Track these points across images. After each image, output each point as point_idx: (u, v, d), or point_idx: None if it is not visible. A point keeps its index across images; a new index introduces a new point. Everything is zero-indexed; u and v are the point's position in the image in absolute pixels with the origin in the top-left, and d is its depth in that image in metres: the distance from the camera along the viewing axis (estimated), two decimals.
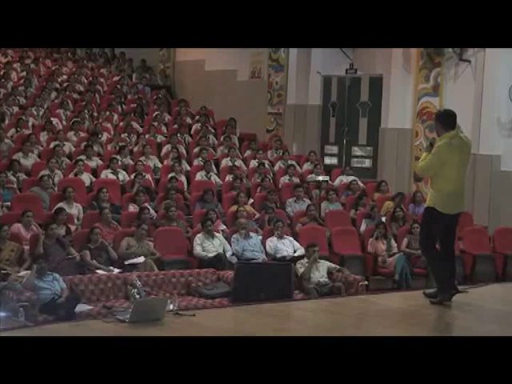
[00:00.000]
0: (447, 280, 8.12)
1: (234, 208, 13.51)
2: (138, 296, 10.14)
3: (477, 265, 13.27)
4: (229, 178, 15.50)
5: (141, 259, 11.32)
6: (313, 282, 11.31)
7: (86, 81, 21.31)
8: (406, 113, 16.78)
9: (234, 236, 12.53)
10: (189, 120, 19.45)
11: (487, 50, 15.02)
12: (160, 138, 17.71)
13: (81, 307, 9.60)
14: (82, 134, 16.77)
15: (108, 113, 18.62)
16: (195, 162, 16.26)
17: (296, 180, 15.95)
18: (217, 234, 12.37)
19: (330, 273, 11.64)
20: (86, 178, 14.34)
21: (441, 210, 7.96)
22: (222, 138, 18.09)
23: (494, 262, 13.43)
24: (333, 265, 11.87)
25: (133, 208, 13.14)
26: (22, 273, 10.27)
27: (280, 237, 12.62)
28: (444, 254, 8.20)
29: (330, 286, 11.30)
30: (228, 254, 12.15)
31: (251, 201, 14.57)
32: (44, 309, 9.45)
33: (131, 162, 15.47)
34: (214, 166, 16.08)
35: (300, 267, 11.50)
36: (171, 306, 7.73)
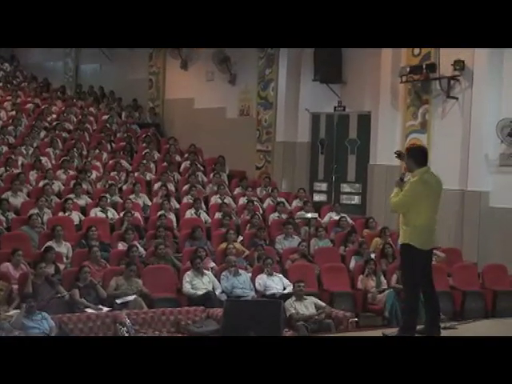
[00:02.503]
0: (414, 322, 8.08)
1: (224, 245, 13.49)
2: (127, 335, 10.12)
3: (466, 301, 13.21)
4: (218, 215, 15.49)
5: (131, 297, 11.28)
6: (302, 319, 11.28)
7: (75, 119, 21.35)
8: (394, 149, 16.74)
9: (224, 273, 12.51)
10: (178, 158, 19.49)
11: (474, 87, 15.17)
12: (149, 176, 17.74)
13: None
14: (72, 173, 16.76)
15: (97, 151, 18.63)
16: (184, 200, 16.26)
17: (285, 217, 15.96)
18: (206, 272, 12.35)
19: (318, 309, 11.62)
20: (75, 216, 14.32)
21: (418, 246, 7.99)
22: (211, 176, 18.13)
23: (483, 298, 13.37)
24: (319, 302, 11.83)
25: (122, 246, 13.11)
26: (11, 312, 10.21)
27: (269, 274, 12.61)
28: (424, 293, 8.19)
29: (319, 323, 11.27)
30: (217, 292, 12.13)
31: (240, 238, 14.56)
32: None
33: (120, 200, 15.47)
34: (203, 204, 16.09)
35: (289, 307, 11.46)
36: None
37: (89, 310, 10.74)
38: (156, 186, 16.84)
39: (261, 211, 16.39)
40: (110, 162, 18.10)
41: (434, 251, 13.35)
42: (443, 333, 8.21)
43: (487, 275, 13.94)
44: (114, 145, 19.80)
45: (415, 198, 7.97)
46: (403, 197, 8.05)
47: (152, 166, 18.52)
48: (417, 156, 8.22)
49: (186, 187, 16.93)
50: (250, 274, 12.73)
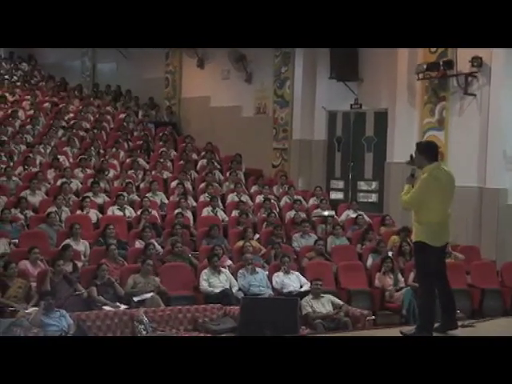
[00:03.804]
0: (431, 320, 8.02)
1: (241, 243, 13.51)
2: (144, 332, 10.14)
3: (485, 299, 13.17)
4: (235, 213, 15.52)
5: (149, 295, 11.30)
6: (319, 317, 11.27)
7: (92, 118, 21.44)
8: (411, 147, 16.60)
9: (241, 271, 12.52)
10: (195, 156, 19.53)
11: (492, 83, 15.06)
12: (166, 175, 17.78)
13: None
14: (89, 171, 16.84)
15: (114, 150, 18.73)
16: (201, 198, 16.29)
17: (302, 215, 15.94)
18: (223, 270, 12.37)
19: (335, 307, 11.61)
20: (93, 214, 14.38)
21: (431, 243, 7.93)
22: (227, 174, 18.15)
23: (502, 296, 13.35)
24: (336, 300, 11.82)
25: (139, 244, 13.14)
26: (30, 309, 10.26)
27: (286, 272, 12.61)
28: (439, 289, 8.13)
29: (336, 321, 11.26)
30: (234, 290, 12.15)
31: (257, 236, 14.57)
32: None
33: (138, 199, 15.52)
34: (220, 202, 16.11)
35: (306, 306, 11.46)
36: None
37: (106, 308, 10.78)
38: (173, 184, 16.88)
39: (277, 209, 16.39)
40: (127, 160, 18.17)
41: (453, 252, 13.40)
42: (461, 331, 8.16)
43: (506, 273, 13.87)
44: (131, 143, 19.88)
45: (426, 195, 7.90)
46: (414, 194, 7.99)
47: (169, 164, 18.57)
48: (427, 152, 8.14)
49: (202, 185, 16.95)
50: (266, 272, 12.75)
